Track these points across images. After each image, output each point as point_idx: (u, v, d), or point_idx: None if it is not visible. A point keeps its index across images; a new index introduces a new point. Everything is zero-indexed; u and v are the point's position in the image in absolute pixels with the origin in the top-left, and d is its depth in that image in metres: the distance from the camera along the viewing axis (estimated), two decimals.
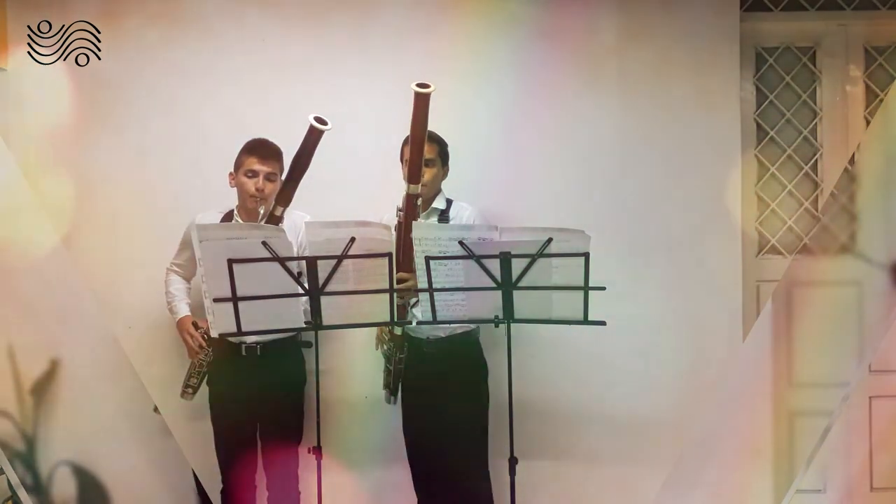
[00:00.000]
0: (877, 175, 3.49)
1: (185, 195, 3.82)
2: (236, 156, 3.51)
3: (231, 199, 3.59)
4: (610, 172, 3.92)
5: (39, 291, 3.61)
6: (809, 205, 4.07)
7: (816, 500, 3.97)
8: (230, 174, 3.53)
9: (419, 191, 3.28)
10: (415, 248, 3.03)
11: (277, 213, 3.44)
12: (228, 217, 3.54)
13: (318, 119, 3.33)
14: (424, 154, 3.38)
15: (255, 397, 3.50)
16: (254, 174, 3.45)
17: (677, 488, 3.74)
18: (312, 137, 3.35)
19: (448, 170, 3.56)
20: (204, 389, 3.60)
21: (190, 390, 3.58)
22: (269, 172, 3.46)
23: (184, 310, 3.60)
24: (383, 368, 3.57)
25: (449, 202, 3.54)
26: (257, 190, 3.44)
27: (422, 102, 3.18)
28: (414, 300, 3.34)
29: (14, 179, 3.64)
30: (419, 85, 3.17)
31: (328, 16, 3.93)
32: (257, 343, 3.45)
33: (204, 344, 3.51)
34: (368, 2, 3.93)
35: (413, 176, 3.25)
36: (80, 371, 3.66)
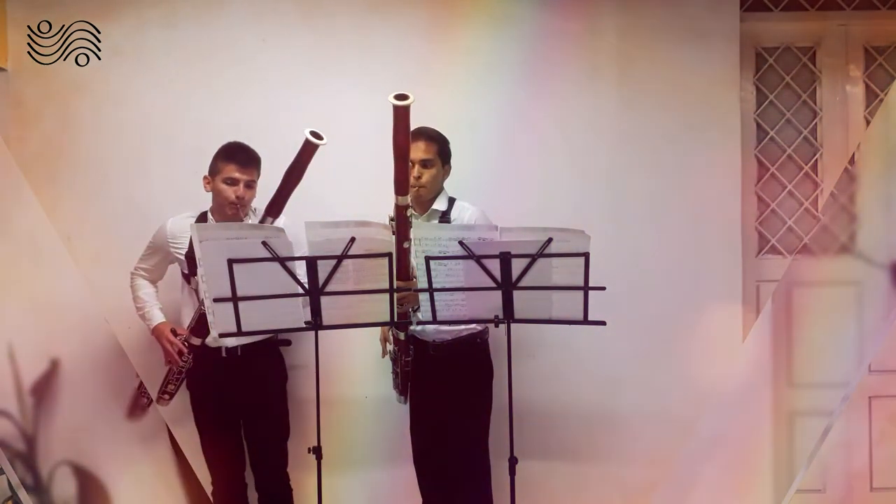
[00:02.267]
0: (877, 175, 3.49)
1: (186, 195, 3.80)
2: (212, 159, 3.46)
3: (203, 202, 3.56)
4: (610, 172, 3.92)
5: (39, 291, 3.62)
6: (809, 205, 4.07)
7: (816, 500, 3.97)
8: (205, 178, 3.48)
9: (408, 201, 3.22)
10: (415, 247, 3.03)
11: (267, 223, 3.40)
12: (202, 220, 3.51)
13: (314, 134, 3.28)
14: (422, 154, 3.39)
15: (238, 398, 3.50)
16: (233, 182, 3.41)
17: (677, 488, 3.74)
18: (307, 152, 3.31)
19: (450, 168, 3.54)
20: (185, 394, 3.60)
21: (167, 396, 3.58)
22: (249, 180, 3.42)
23: (158, 316, 3.58)
24: (391, 371, 3.57)
25: (451, 201, 3.51)
26: (238, 198, 3.40)
27: (401, 115, 3.10)
28: (415, 307, 3.32)
29: (14, 179, 3.64)
30: (397, 97, 3.08)
31: (328, 16, 3.93)
32: (238, 344, 3.44)
33: (185, 350, 3.50)
34: (368, 2, 3.94)
35: (401, 188, 3.18)
36: (80, 371, 3.66)
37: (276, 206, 3.41)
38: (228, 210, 3.43)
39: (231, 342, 3.41)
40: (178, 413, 3.75)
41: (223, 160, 3.44)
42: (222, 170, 3.43)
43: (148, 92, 3.93)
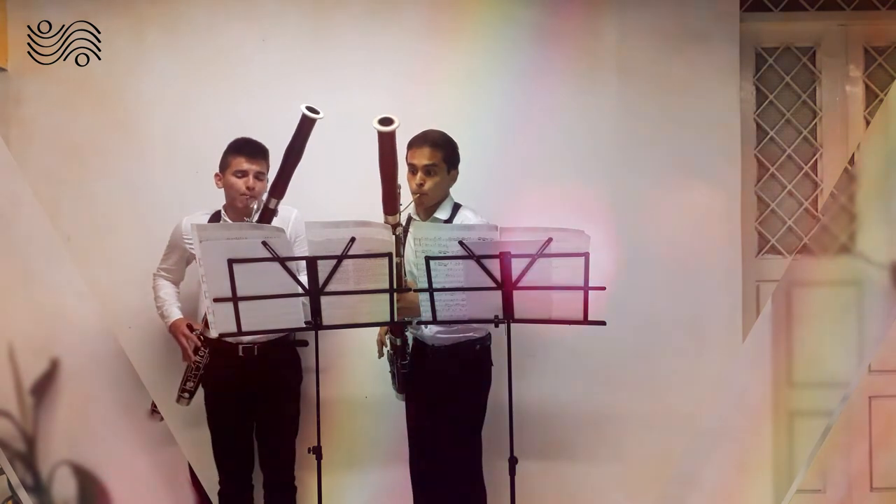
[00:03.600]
0: (877, 175, 3.49)
1: (186, 195, 3.82)
2: (222, 155, 3.49)
3: (216, 201, 3.57)
4: (610, 172, 3.92)
5: (39, 291, 3.61)
6: (809, 205, 4.07)
7: (816, 500, 3.97)
8: (216, 175, 3.50)
9: (398, 220, 3.24)
10: (415, 247, 3.03)
11: (271, 205, 3.42)
12: (216, 218, 3.53)
13: (309, 108, 3.30)
14: (426, 160, 3.36)
15: (253, 397, 3.51)
16: (243, 174, 3.43)
17: (677, 488, 3.74)
18: (304, 127, 3.33)
19: (457, 173, 3.48)
20: (199, 392, 3.60)
21: (186, 395, 3.56)
22: (258, 171, 3.45)
23: (176, 313, 3.59)
24: (389, 370, 3.56)
25: (456, 208, 3.46)
26: (248, 189, 3.42)
27: (386, 140, 3.11)
28: (411, 319, 3.30)
29: (14, 179, 3.64)
30: (381, 121, 3.07)
31: (328, 16, 3.93)
32: (254, 343, 3.45)
33: (200, 345, 3.51)
34: (369, 2, 3.94)
35: (389, 208, 3.22)
36: (80, 371, 3.66)
37: (278, 187, 3.42)
38: (239, 203, 3.45)
39: (248, 339, 3.41)
40: (182, 415, 3.76)
41: (232, 154, 3.47)
42: (231, 163, 3.45)
43: (148, 92, 3.93)
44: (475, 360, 3.48)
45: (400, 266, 3.19)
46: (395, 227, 3.21)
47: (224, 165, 3.48)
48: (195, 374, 3.54)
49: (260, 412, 3.55)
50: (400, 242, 3.22)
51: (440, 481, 3.47)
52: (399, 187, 3.27)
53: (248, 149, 3.46)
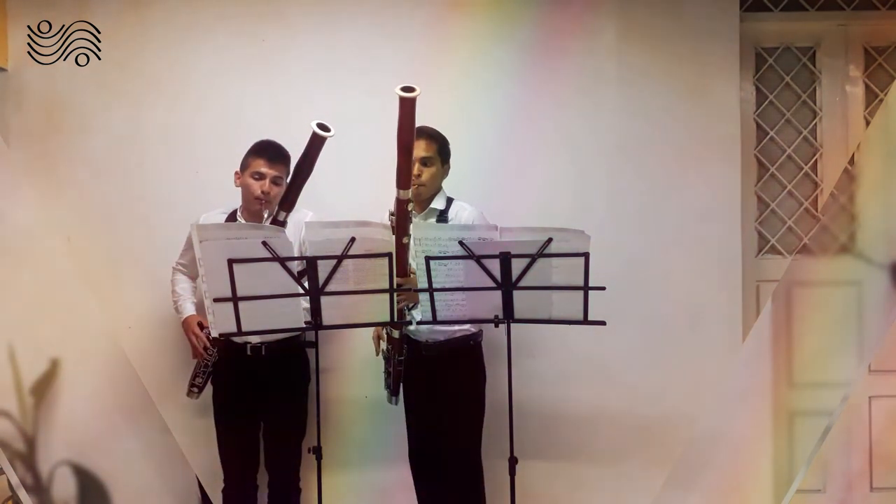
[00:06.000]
0: (877, 175, 3.49)
1: (185, 195, 3.82)
2: (244, 155, 3.50)
3: (235, 199, 3.58)
4: (610, 172, 3.92)
5: (39, 291, 3.62)
6: (809, 205, 4.07)
7: (816, 500, 3.97)
8: (236, 173, 3.51)
9: (409, 196, 3.21)
10: (415, 247, 3.03)
11: (280, 217, 3.45)
12: (232, 217, 3.54)
13: (320, 126, 3.31)
14: (423, 152, 3.38)
15: (260, 397, 3.51)
16: (260, 177, 3.44)
17: (677, 488, 3.74)
18: (315, 144, 3.34)
19: (449, 167, 3.53)
20: (208, 388, 3.60)
21: (195, 390, 3.57)
22: (276, 176, 3.45)
23: (189, 309, 3.60)
24: (383, 370, 3.56)
25: (449, 201, 3.50)
26: (263, 193, 3.43)
27: (407, 107, 3.08)
28: (412, 304, 3.30)
29: (14, 179, 3.65)
30: (404, 89, 3.05)
31: (329, 16, 3.93)
32: (262, 343, 3.46)
33: (209, 344, 3.51)
34: (369, 2, 3.94)
35: (403, 181, 3.18)
36: (80, 371, 3.66)
37: (288, 200, 3.44)
38: (254, 205, 3.45)
39: (255, 339, 3.43)
40: (183, 413, 3.76)
41: (252, 155, 3.47)
42: (251, 164, 3.46)
43: (147, 92, 3.93)
44: (470, 354, 3.51)
45: (407, 246, 3.18)
46: (407, 202, 3.19)
47: (244, 165, 3.49)
48: (203, 371, 3.56)
49: (266, 413, 3.55)
50: (409, 220, 3.20)
51: (442, 475, 3.48)
52: (413, 162, 3.25)
53: (269, 153, 3.47)
